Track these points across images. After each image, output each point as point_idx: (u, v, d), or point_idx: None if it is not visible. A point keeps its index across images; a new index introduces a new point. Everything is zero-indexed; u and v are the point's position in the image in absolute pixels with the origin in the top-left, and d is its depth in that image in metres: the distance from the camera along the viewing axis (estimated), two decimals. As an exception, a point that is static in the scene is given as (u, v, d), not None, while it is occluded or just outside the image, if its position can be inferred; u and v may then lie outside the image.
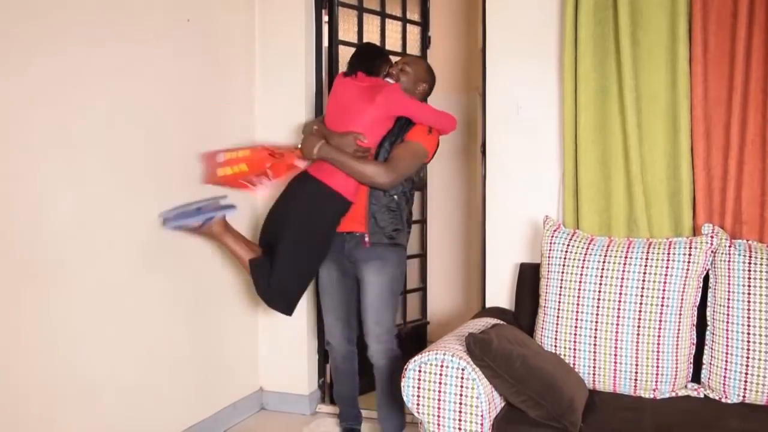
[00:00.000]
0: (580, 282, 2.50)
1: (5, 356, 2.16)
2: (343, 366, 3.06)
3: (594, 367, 2.44)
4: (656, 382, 2.38)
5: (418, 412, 2.24)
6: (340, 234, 2.82)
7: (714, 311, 2.41)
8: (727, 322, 2.35)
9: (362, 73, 2.81)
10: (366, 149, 2.72)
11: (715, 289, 2.42)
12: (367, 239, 2.78)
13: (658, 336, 2.38)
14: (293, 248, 2.73)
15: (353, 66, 2.84)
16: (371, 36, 3.63)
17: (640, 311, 2.40)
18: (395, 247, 2.84)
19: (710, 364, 2.39)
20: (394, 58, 3.00)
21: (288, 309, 2.81)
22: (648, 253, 2.45)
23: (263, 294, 2.81)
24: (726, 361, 2.33)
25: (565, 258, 2.56)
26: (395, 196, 2.81)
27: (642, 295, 2.41)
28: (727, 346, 2.34)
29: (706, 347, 2.43)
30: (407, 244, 2.94)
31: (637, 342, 2.39)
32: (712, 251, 2.42)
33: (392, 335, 2.85)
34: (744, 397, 2.30)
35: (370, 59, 2.85)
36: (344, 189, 2.71)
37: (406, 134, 2.80)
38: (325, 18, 3.44)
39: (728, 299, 2.36)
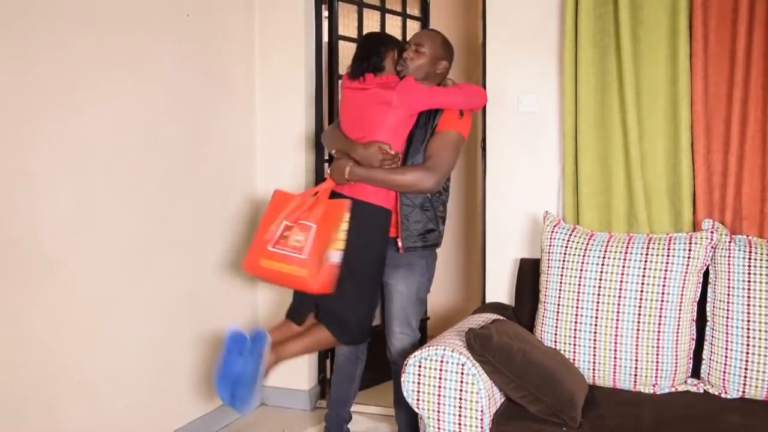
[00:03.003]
0: (580, 277, 2.50)
1: (5, 349, 2.17)
2: (345, 368, 2.90)
3: (594, 362, 2.44)
4: (656, 377, 2.39)
5: (418, 408, 2.24)
6: None
7: (714, 307, 2.41)
8: (727, 318, 2.35)
9: (370, 74, 2.58)
10: (394, 156, 2.51)
11: (715, 284, 2.42)
12: (400, 244, 2.60)
13: (658, 331, 2.38)
14: (355, 279, 2.53)
15: (359, 68, 2.60)
16: (371, 31, 3.62)
17: (639, 307, 2.40)
18: (425, 250, 2.67)
19: (710, 359, 2.40)
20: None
21: (363, 336, 2.66)
22: (648, 248, 2.46)
23: (348, 339, 2.64)
24: (726, 357, 2.34)
25: (565, 253, 2.56)
26: (429, 194, 2.60)
27: (642, 291, 2.41)
28: (726, 341, 2.34)
29: (705, 342, 2.43)
30: (441, 242, 2.74)
31: (637, 337, 2.39)
32: (712, 247, 2.42)
33: (415, 339, 2.73)
34: (743, 392, 2.31)
35: (374, 53, 2.60)
36: (382, 200, 2.55)
37: (437, 125, 2.57)
38: (325, 13, 3.43)
39: (728, 295, 2.36)
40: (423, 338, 3.92)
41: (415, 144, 2.58)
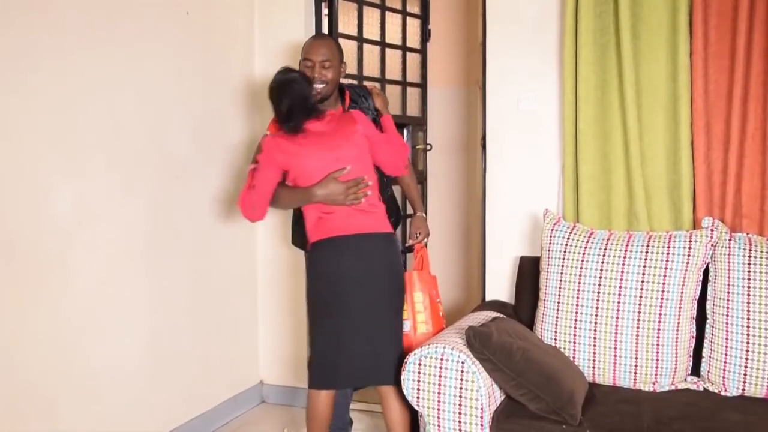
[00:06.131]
0: (580, 275, 2.50)
1: (9, 345, 2.17)
2: None
3: (594, 360, 2.45)
4: (656, 375, 2.39)
5: (418, 405, 2.24)
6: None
7: (714, 304, 2.41)
8: (727, 316, 2.35)
9: (307, 120, 2.42)
10: (358, 179, 2.41)
11: (714, 282, 2.42)
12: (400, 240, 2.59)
13: (658, 329, 2.38)
14: (398, 313, 2.49)
15: (295, 119, 2.40)
16: (371, 29, 3.62)
17: (639, 304, 2.40)
18: None
19: (710, 357, 2.40)
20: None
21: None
22: (648, 246, 2.46)
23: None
24: (725, 354, 2.34)
25: (565, 251, 2.56)
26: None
27: (642, 289, 2.41)
28: (726, 339, 2.34)
29: (705, 340, 2.43)
30: None
31: (637, 335, 2.39)
32: (712, 244, 2.42)
33: None
34: (743, 390, 2.31)
35: (307, 98, 2.42)
36: (388, 223, 2.51)
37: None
38: (325, 11, 3.43)
39: (728, 292, 2.36)
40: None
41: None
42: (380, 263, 2.42)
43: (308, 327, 2.50)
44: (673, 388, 2.41)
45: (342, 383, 2.51)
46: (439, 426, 2.21)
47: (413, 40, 3.92)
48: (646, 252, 2.44)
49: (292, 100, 2.39)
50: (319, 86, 2.53)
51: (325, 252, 2.40)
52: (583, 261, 2.51)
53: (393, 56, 3.77)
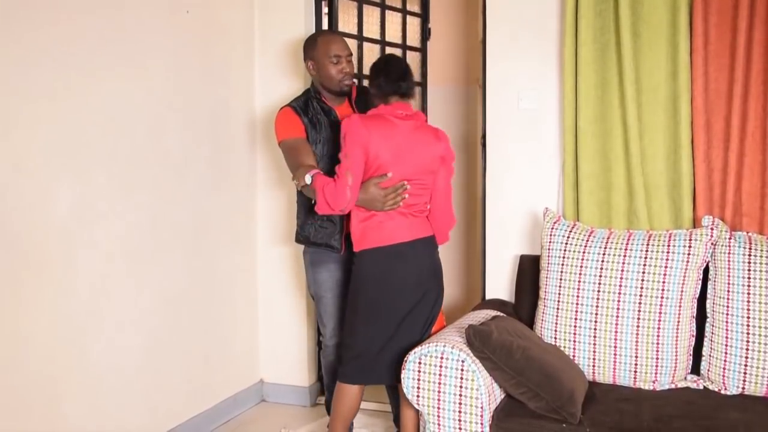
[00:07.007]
0: (580, 274, 2.50)
1: (10, 345, 2.17)
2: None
3: (594, 358, 2.45)
4: (656, 373, 2.39)
5: (418, 404, 2.24)
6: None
7: (714, 303, 2.41)
8: (727, 314, 2.35)
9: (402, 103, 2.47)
10: (398, 187, 2.40)
11: (714, 281, 2.42)
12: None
13: (658, 328, 2.38)
14: (434, 316, 2.55)
15: (407, 81, 2.47)
16: (371, 28, 3.62)
17: (639, 303, 2.40)
18: None
19: (710, 355, 2.40)
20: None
21: None
22: (648, 245, 2.46)
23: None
24: (725, 353, 2.34)
25: (565, 250, 2.56)
26: None
27: (642, 287, 2.41)
28: (726, 337, 2.34)
29: (705, 339, 2.43)
30: None
31: (637, 334, 2.39)
32: (712, 243, 2.42)
33: None
34: (743, 388, 2.31)
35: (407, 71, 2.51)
36: (430, 228, 2.59)
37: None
38: (325, 9, 3.42)
39: (728, 291, 2.36)
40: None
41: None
42: (425, 267, 2.51)
43: (347, 325, 2.53)
44: (672, 386, 2.41)
45: (380, 380, 2.57)
46: (439, 425, 2.21)
47: (413, 38, 3.91)
48: (646, 251, 2.44)
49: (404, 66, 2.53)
50: (351, 81, 2.65)
51: (375, 260, 2.45)
52: (583, 260, 2.51)
53: (393, 55, 3.77)
